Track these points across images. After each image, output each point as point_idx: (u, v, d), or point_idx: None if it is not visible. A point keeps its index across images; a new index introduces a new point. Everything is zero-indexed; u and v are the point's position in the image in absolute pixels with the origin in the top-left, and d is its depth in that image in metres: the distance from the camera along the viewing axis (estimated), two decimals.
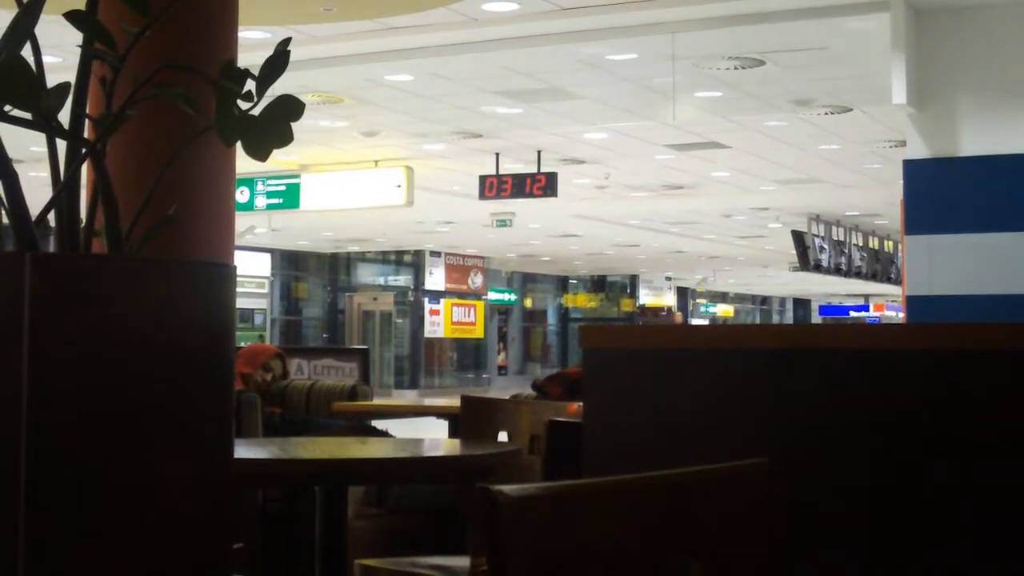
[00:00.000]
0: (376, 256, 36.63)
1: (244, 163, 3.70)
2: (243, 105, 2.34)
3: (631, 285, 45.93)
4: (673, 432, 2.84)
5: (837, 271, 27.11)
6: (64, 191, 2.25)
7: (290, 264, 35.52)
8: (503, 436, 4.37)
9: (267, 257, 32.98)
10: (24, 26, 2.16)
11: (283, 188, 19.01)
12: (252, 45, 8.97)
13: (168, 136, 3.31)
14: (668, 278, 46.07)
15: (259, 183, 18.81)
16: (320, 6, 10.06)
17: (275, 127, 2.25)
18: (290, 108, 2.29)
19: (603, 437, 2.93)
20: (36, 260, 2.09)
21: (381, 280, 37.17)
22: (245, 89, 2.28)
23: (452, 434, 6.64)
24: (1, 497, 2.02)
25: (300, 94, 2.78)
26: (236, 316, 2.37)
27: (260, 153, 2.24)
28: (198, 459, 2.19)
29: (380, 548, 4.79)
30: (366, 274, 37.28)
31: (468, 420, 4.43)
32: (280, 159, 17.68)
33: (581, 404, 3.94)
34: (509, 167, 17.99)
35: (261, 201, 19.08)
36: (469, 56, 11.95)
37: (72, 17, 2.26)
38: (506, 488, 1.71)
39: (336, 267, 36.74)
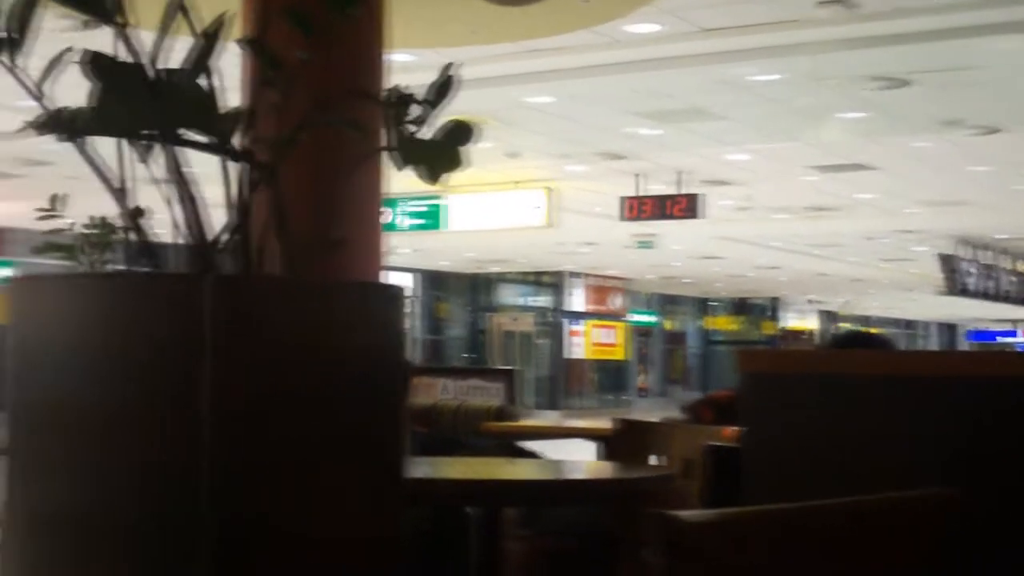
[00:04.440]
0: (517, 276, 36.73)
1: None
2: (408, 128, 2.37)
3: (773, 308, 45.41)
4: (836, 459, 2.80)
5: (985, 295, 26.52)
6: (240, 213, 2.29)
7: (432, 284, 35.80)
8: (653, 459, 4.34)
9: (410, 277, 33.27)
10: (205, 54, 2.21)
11: (425, 209, 19.18)
12: (397, 68, 9.06)
13: (323, 159, 3.36)
14: (810, 301, 45.47)
15: (402, 204, 19.00)
16: (465, 28, 10.14)
17: (447, 151, 2.28)
18: (461, 132, 2.31)
19: (763, 463, 2.90)
20: (216, 282, 2.14)
21: (522, 300, 37.26)
22: (414, 114, 2.31)
23: (599, 456, 6.62)
24: (184, 512, 2.06)
25: (444, 116, 2.81)
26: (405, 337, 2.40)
27: (433, 177, 2.27)
28: (372, 479, 2.22)
29: (530, 570, 4.79)
30: (507, 294, 37.41)
31: (621, 442, 4.42)
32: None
33: (736, 429, 3.91)
34: (650, 188, 17.93)
35: (404, 222, 19.26)
36: (611, 78, 11.96)
37: (245, 44, 2.31)
38: (682, 513, 1.71)
39: (477, 287, 36.93)
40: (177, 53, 2.33)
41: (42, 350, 2.22)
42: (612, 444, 4.48)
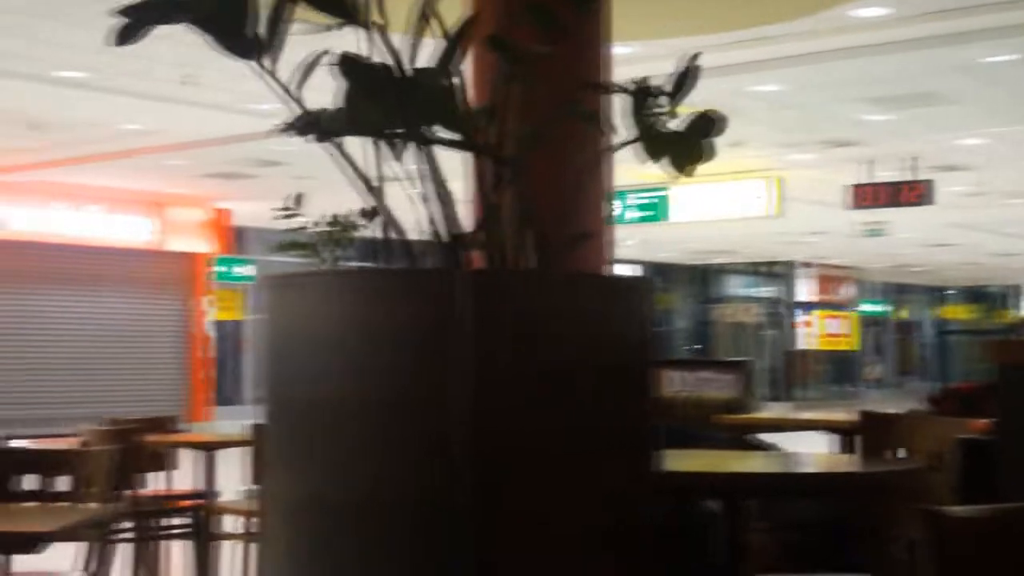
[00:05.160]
0: (742, 267, 36.34)
1: None
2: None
3: (1010, 295, 43.90)
4: None
5: None
6: (488, 208, 2.32)
7: (657, 276, 35.71)
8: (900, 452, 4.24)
9: (635, 270, 33.23)
10: (450, 54, 2.24)
11: (649, 201, 19.13)
12: (617, 60, 9.04)
13: (565, 152, 3.37)
14: None
15: (626, 196, 18.98)
16: (689, 20, 10.06)
17: (693, 143, 2.27)
18: (705, 124, 2.29)
19: (1021, 456, 2.80)
20: (472, 276, 2.17)
21: (748, 291, 36.85)
22: (653, 107, 2.29)
23: (836, 449, 6.50)
24: (443, 499, 2.10)
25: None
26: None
27: (679, 169, 2.26)
28: (623, 470, 2.22)
29: (771, 564, 4.73)
30: (732, 285, 37.05)
31: (865, 435, 4.32)
32: (646, 172, 17.80)
33: (987, 421, 3.78)
34: (877, 175, 17.53)
35: (629, 214, 19.25)
36: (837, 63, 11.73)
37: (492, 42, 2.33)
38: (950, 509, 1.66)
39: (702, 279, 36.66)
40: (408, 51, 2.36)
41: (298, 345, 2.28)
42: (852, 437, 4.38)
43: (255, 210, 20.82)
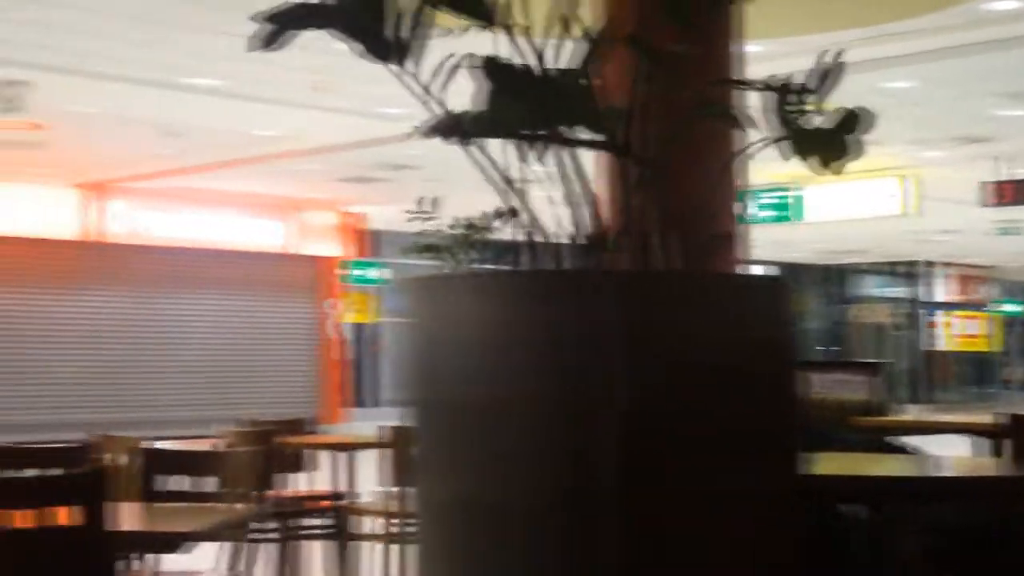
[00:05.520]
0: (873, 267, 35.80)
1: None
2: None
3: None
4: None
5: None
6: (630, 209, 2.31)
7: (786, 277, 35.26)
8: None
9: (767, 270, 32.89)
10: (591, 54, 2.23)
11: (780, 201, 18.93)
12: (749, 59, 8.94)
13: (705, 152, 3.34)
14: None
15: (757, 196, 18.81)
16: (820, 17, 9.94)
17: (838, 140, 2.23)
18: (851, 120, 2.25)
19: None
20: (620, 278, 2.16)
21: (882, 291, 36.28)
22: (804, 105, 2.26)
23: (978, 452, 6.37)
24: (593, 508, 2.09)
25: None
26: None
27: (826, 167, 2.22)
28: (772, 475, 2.19)
29: (916, 570, 4.64)
30: (864, 285, 36.51)
31: (1017, 438, 4.22)
32: (775, 172, 17.62)
33: None
34: (1015, 172, 17.13)
35: (762, 213, 19.07)
36: (971, 58, 11.50)
37: (632, 42, 2.32)
38: None
39: (833, 279, 36.18)
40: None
41: (443, 348, 2.28)
42: (999, 440, 4.28)
43: (387, 213, 21.02)
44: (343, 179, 18.96)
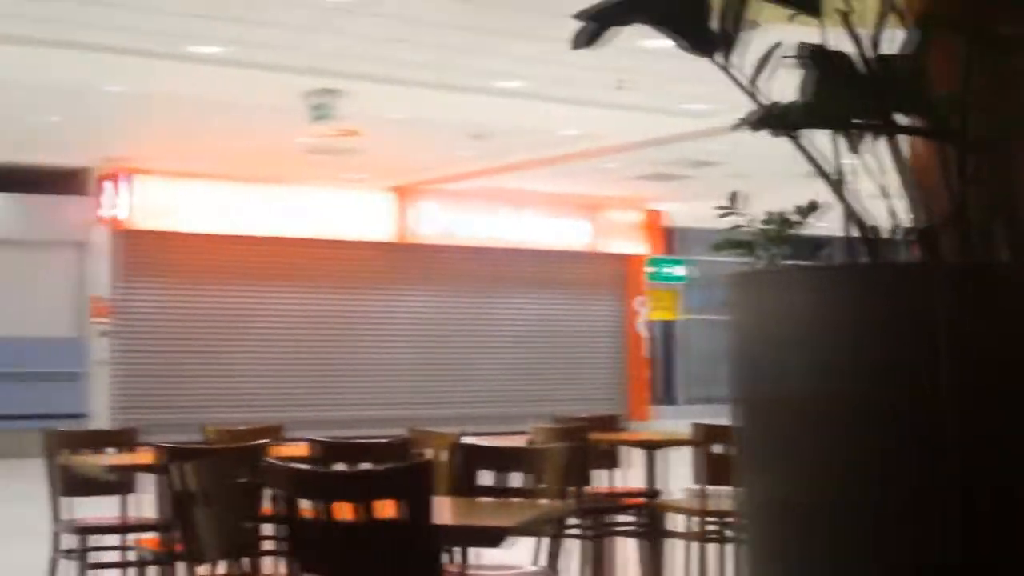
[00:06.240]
0: None
1: None
2: None
3: None
4: None
5: None
6: (959, 199, 2.22)
7: None
8: None
9: None
10: (923, 40, 2.16)
11: None
12: None
13: None
14: None
15: None
16: None
17: None
18: None
19: None
20: (949, 272, 2.09)
21: None
22: None
23: None
24: (926, 508, 2.03)
25: None
26: None
27: None
28: None
29: None
30: None
31: None
32: None
33: None
34: None
35: None
36: None
37: (964, 27, 2.23)
38: None
39: None
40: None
41: (769, 345, 2.25)
42: None
43: (688, 210, 20.96)
44: (642, 176, 18.99)
